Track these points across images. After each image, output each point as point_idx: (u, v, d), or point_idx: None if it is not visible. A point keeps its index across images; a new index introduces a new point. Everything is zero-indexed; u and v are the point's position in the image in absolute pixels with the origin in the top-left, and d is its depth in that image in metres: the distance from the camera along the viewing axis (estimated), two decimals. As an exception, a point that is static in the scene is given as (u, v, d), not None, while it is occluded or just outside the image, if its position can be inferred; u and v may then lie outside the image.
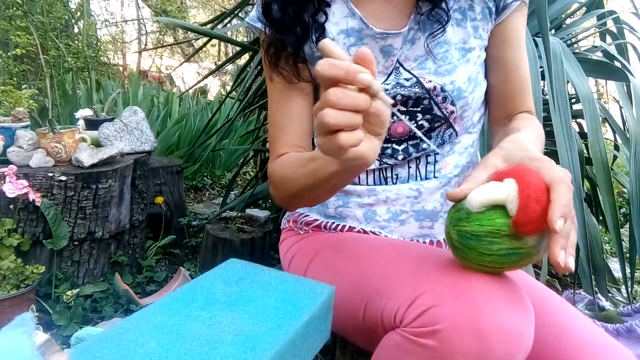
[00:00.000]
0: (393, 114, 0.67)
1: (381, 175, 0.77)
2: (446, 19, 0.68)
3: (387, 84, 0.71)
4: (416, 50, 0.71)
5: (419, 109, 0.72)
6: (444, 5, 0.68)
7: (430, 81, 0.70)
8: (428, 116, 0.72)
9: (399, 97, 0.71)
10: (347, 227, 0.78)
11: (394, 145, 0.75)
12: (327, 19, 0.71)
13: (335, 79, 0.42)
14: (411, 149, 0.75)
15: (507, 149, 0.53)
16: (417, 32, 0.70)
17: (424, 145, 0.75)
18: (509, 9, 0.71)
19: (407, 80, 0.71)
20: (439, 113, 0.72)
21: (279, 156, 0.74)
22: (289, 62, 0.73)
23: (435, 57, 0.70)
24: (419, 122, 0.73)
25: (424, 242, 0.76)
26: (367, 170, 0.77)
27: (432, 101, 0.71)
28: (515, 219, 0.44)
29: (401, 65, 0.71)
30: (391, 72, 0.72)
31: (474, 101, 0.73)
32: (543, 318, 0.57)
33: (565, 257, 0.42)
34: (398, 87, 0.71)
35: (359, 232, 0.78)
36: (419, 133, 0.51)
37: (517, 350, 0.45)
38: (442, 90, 0.70)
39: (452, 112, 0.72)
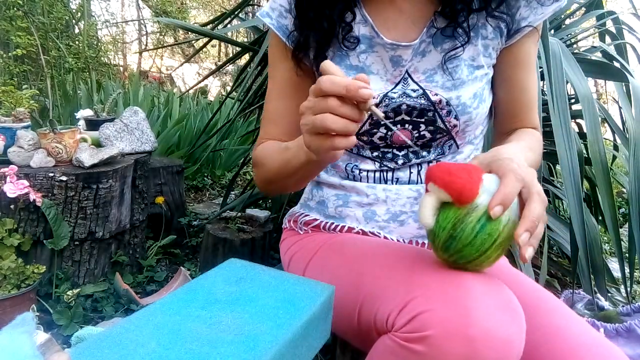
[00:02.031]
0: (385, 125, 0.69)
1: (381, 177, 0.77)
2: (466, 39, 0.69)
3: (394, 93, 0.71)
4: (426, 63, 0.71)
5: (422, 119, 0.72)
6: (465, 25, 0.68)
7: (436, 94, 0.71)
8: (431, 127, 0.73)
9: (404, 107, 0.72)
10: (346, 228, 0.78)
11: (395, 151, 0.76)
12: (354, 18, 0.72)
13: (335, 95, 0.49)
14: (411, 155, 0.76)
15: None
16: (428, 44, 0.71)
17: (424, 153, 0.75)
18: (521, 33, 0.71)
19: (414, 91, 0.71)
20: (442, 125, 0.73)
21: (263, 143, 0.80)
22: (309, 57, 0.74)
23: (449, 72, 0.70)
24: (421, 132, 0.74)
25: (423, 243, 0.76)
26: (367, 172, 0.78)
27: (436, 114, 0.72)
28: (452, 196, 0.48)
29: (410, 76, 0.72)
30: (399, 82, 0.72)
31: (477, 117, 0.74)
32: (537, 319, 0.57)
33: (527, 240, 0.46)
34: (404, 97, 0.71)
35: (358, 232, 0.78)
36: (387, 122, 0.61)
37: (507, 356, 0.45)
38: (448, 104, 0.71)
39: (455, 125, 0.73)
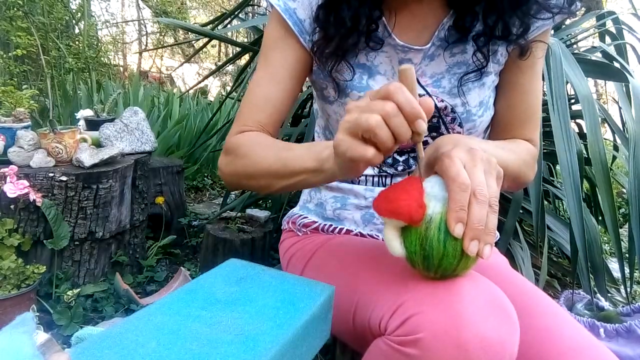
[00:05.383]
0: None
1: (380, 182, 0.77)
2: (485, 63, 0.67)
3: None
4: (434, 66, 0.70)
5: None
6: (485, 50, 0.66)
7: (442, 100, 0.70)
8: (434, 134, 0.72)
9: None
10: (344, 230, 0.78)
11: (396, 156, 0.75)
12: (381, 15, 0.68)
13: (397, 104, 0.44)
14: (412, 161, 0.75)
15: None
16: (438, 48, 0.69)
17: None
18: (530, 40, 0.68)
19: (420, 95, 0.70)
20: (445, 133, 0.72)
21: (244, 131, 0.71)
22: (331, 52, 0.69)
23: (457, 78, 0.69)
24: (424, 139, 0.72)
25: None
26: (365, 176, 0.77)
27: (440, 120, 0.71)
28: (403, 221, 0.47)
29: (417, 80, 0.70)
30: None
31: (481, 125, 0.72)
32: (529, 320, 0.56)
33: (479, 247, 0.45)
34: None
35: (356, 235, 0.78)
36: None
37: (499, 358, 0.45)
38: (453, 111, 0.70)
39: (458, 133, 0.71)
